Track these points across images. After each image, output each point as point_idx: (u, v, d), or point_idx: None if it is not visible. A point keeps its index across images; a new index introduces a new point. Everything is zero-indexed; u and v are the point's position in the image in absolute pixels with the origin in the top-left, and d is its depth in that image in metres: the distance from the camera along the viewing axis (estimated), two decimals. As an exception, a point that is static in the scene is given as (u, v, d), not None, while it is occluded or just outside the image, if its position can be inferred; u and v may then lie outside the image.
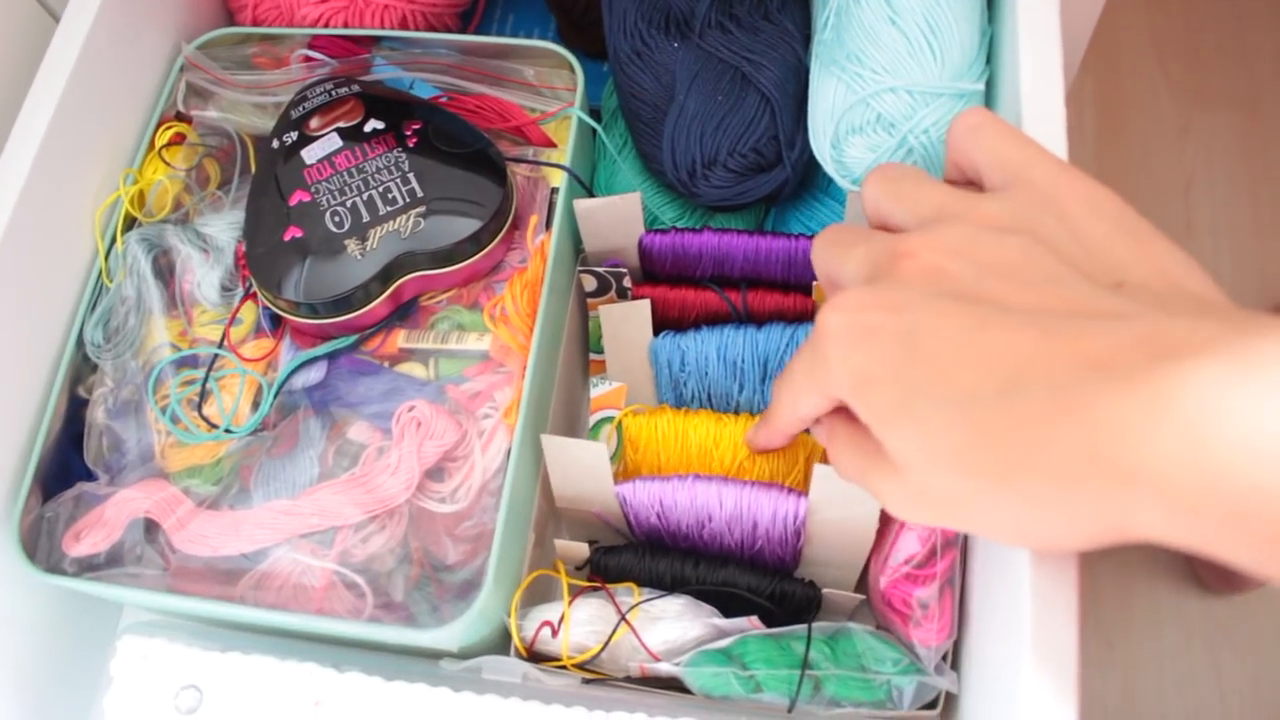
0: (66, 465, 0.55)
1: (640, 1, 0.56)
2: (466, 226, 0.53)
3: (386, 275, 0.53)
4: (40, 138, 0.52)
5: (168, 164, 0.57)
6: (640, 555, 0.53)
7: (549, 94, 0.58)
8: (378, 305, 0.53)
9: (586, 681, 0.51)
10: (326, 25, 0.60)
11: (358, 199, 0.54)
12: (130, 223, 0.58)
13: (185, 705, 0.52)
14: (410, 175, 0.54)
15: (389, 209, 0.53)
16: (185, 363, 0.55)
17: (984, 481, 0.30)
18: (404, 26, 0.61)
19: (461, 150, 0.54)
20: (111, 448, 0.55)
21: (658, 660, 0.50)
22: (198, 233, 0.57)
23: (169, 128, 0.59)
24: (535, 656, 0.52)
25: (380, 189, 0.54)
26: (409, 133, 0.55)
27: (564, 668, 0.51)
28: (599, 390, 0.56)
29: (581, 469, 0.51)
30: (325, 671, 0.52)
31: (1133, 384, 0.27)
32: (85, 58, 0.54)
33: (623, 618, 0.51)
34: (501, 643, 0.54)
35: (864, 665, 0.49)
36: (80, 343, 0.55)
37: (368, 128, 0.56)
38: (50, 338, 0.55)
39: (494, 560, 0.48)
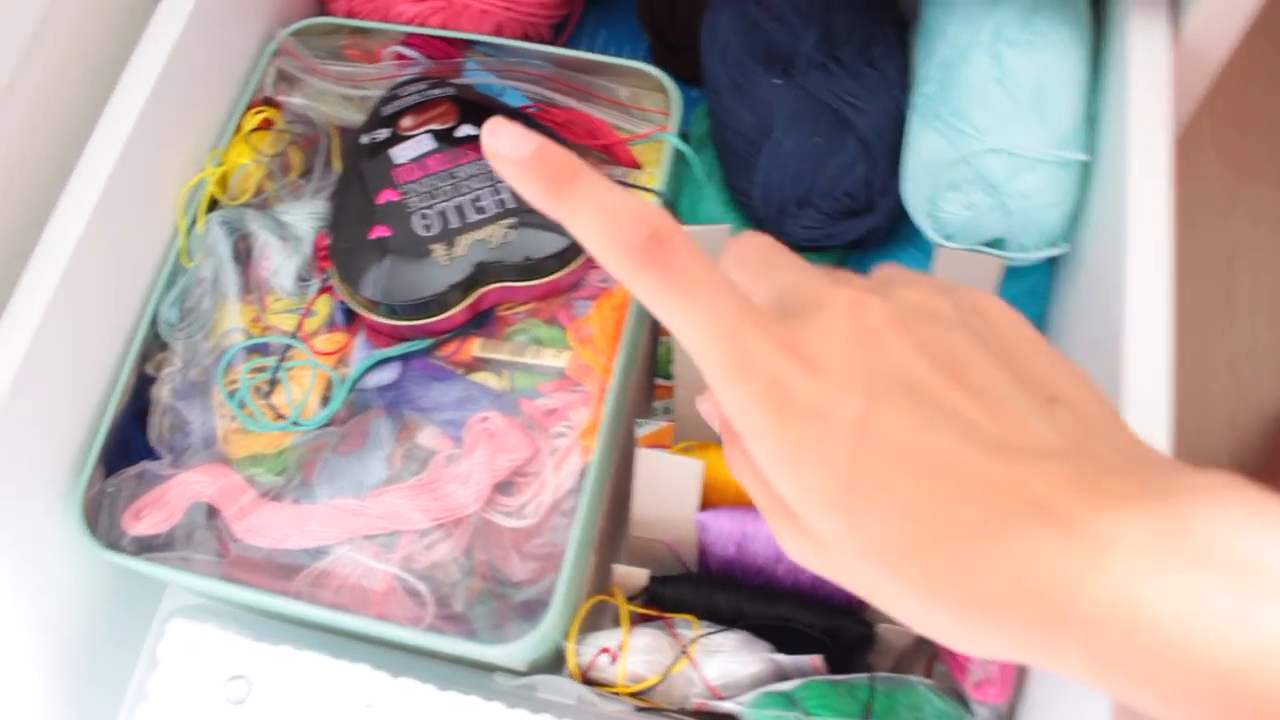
0: (127, 442, 0.55)
1: (743, 34, 0.56)
2: (554, 243, 0.53)
3: (470, 284, 0.53)
4: (136, 113, 0.52)
5: (254, 148, 0.57)
6: (698, 587, 0.53)
7: (638, 115, 0.58)
8: (457, 312, 0.53)
9: (639, 709, 0.52)
10: (422, 24, 0.60)
11: (447, 204, 0.53)
12: (212, 204, 0.57)
13: (234, 695, 0.52)
14: (501, 186, 0.54)
15: (478, 217, 0.53)
16: (256, 350, 0.55)
17: (905, 583, 0.30)
18: (499, 33, 0.61)
19: None
20: (175, 428, 0.54)
21: (720, 698, 0.50)
22: (278, 220, 0.57)
23: (258, 112, 0.58)
24: (587, 681, 0.52)
25: (471, 196, 0.54)
26: None
27: (617, 695, 0.51)
28: (645, 429, 0.56)
29: (671, 488, 0.51)
30: (378, 675, 0.52)
31: (1070, 533, 0.28)
32: (184, 36, 0.54)
33: (683, 650, 0.51)
34: (550, 663, 0.54)
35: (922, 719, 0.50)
36: (154, 320, 0.55)
37: (460, 132, 0.55)
38: (125, 313, 0.55)
39: (564, 582, 0.48)
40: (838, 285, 0.33)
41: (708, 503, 0.54)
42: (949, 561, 0.29)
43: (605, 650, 0.51)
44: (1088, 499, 0.28)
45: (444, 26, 0.60)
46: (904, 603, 0.31)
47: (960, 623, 0.30)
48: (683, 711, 0.52)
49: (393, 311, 0.53)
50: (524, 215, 0.53)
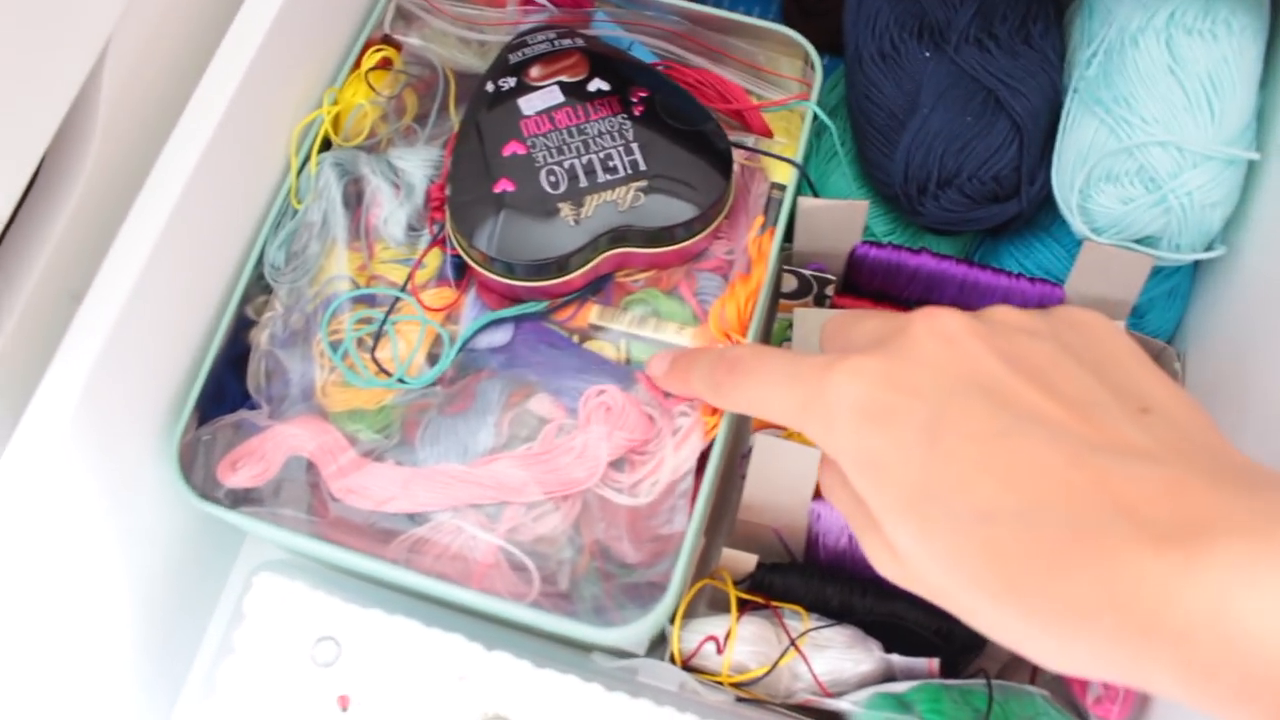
0: (221, 387, 0.53)
1: (897, 3, 0.53)
2: (685, 210, 0.50)
3: (595, 247, 0.50)
4: (254, 47, 0.49)
5: (372, 88, 0.54)
6: (808, 577, 0.51)
7: (772, 80, 0.55)
8: (577, 276, 0.51)
9: (739, 700, 0.50)
10: (548, -30, 0.57)
11: (576, 161, 0.51)
12: (325, 145, 0.55)
13: (322, 658, 0.51)
14: (634, 145, 0.51)
15: (609, 177, 0.50)
16: (362, 300, 0.53)
17: (984, 593, 0.29)
18: (629, -15, 0.58)
19: (688, 128, 0.52)
20: (273, 376, 0.52)
21: (829, 696, 0.48)
22: (391, 165, 0.54)
23: (377, 50, 0.56)
24: (687, 667, 0.51)
25: (601, 155, 0.51)
26: (635, 99, 0.52)
27: (719, 684, 0.50)
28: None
29: (786, 475, 0.49)
30: (472, 646, 0.50)
31: (1162, 541, 0.26)
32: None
33: (792, 643, 0.49)
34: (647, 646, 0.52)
35: (1035, 731, 0.48)
36: (258, 262, 0.53)
37: (591, 87, 0.53)
38: (231, 253, 0.53)
39: (681, 566, 0.46)
40: (922, 310, 0.33)
41: (817, 492, 0.52)
42: (1030, 568, 0.28)
43: (712, 638, 0.49)
44: (1181, 505, 0.27)
45: (568, -25, 0.57)
46: (986, 614, 0.30)
47: (1043, 633, 0.28)
48: (785, 706, 0.50)
49: (510, 270, 0.50)
50: (655, 180, 0.50)
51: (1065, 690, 0.50)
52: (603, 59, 0.54)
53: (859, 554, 0.51)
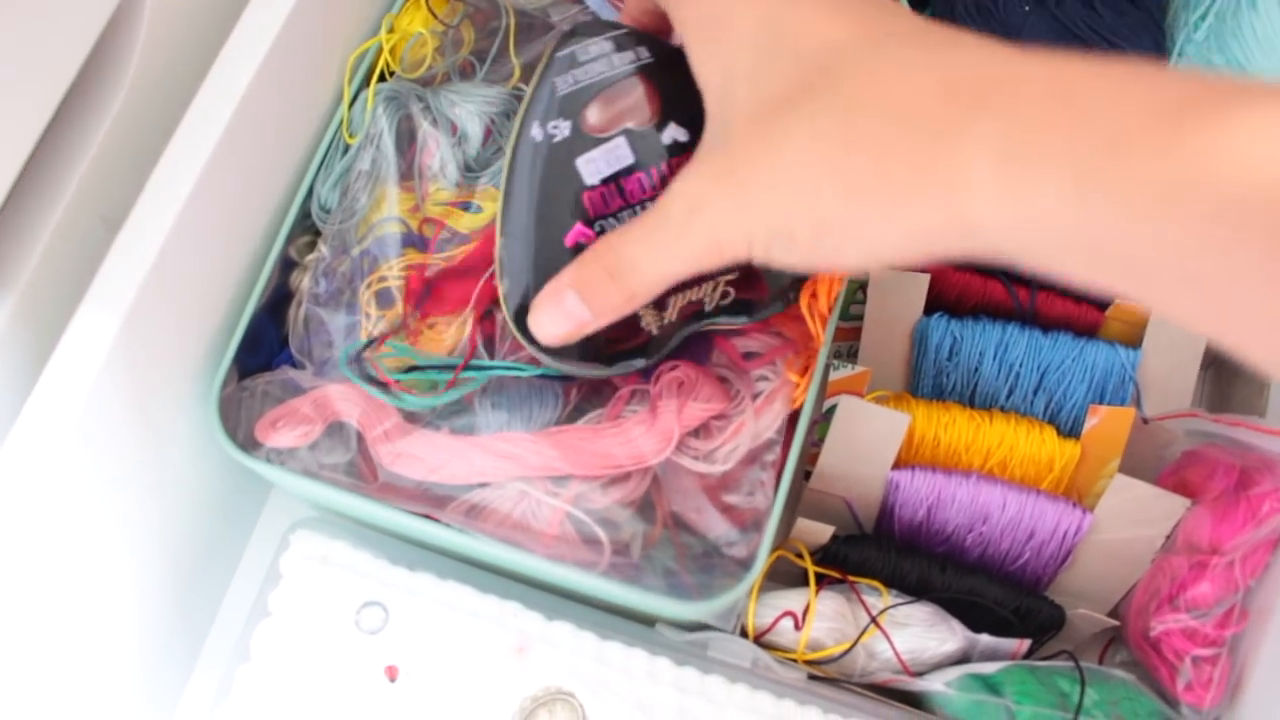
0: (258, 333, 0.49)
1: (997, -50, 0.50)
2: (778, 280, 0.43)
3: (671, 340, 0.43)
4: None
5: (433, 13, 0.50)
6: (884, 550, 0.49)
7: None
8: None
9: (812, 678, 0.48)
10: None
11: None
12: (380, 76, 0.51)
13: (368, 625, 0.48)
14: None
15: None
16: (412, 244, 0.49)
17: (819, 106, 0.30)
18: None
19: None
20: (316, 333, 0.48)
21: (912, 676, 0.46)
22: (447, 103, 0.50)
23: (437, -25, 0.52)
24: (759, 643, 0.48)
25: None
26: None
27: (793, 661, 0.47)
28: (840, 373, 0.51)
29: (869, 442, 0.47)
30: (531, 615, 0.48)
31: (1007, 54, 0.28)
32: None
33: (873, 620, 0.47)
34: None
35: (1121, 715, 0.46)
36: (306, 200, 0.49)
37: (666, 138, 0.41)
38: (278, 188, 0.49)
39: (767, 538, 0.44)
40: None
41: (897, 461, 0.49)
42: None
43: (789, 613, 0.47)
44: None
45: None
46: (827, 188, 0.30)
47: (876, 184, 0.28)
48: (861, 685, 0.48)
49: (581, 366, 0.43)
50: (748, 268, 0.41)
51: (1151, 677, 0.48)
52: (674, 86, 0.40)
53: (935, 527, 0.49)
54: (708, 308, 0.42)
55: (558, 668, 0.46)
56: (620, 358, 0.42)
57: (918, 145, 0.27)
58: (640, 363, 0.43)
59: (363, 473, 0.47)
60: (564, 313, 0.39)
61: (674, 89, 0.40)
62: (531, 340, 0.41)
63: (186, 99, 0.44)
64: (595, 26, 0.42)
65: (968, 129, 0.27)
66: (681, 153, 0.40)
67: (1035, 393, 0.51)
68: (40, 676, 0.44)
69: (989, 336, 0.51)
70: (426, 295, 0.48)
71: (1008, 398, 0.51)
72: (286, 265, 0.50)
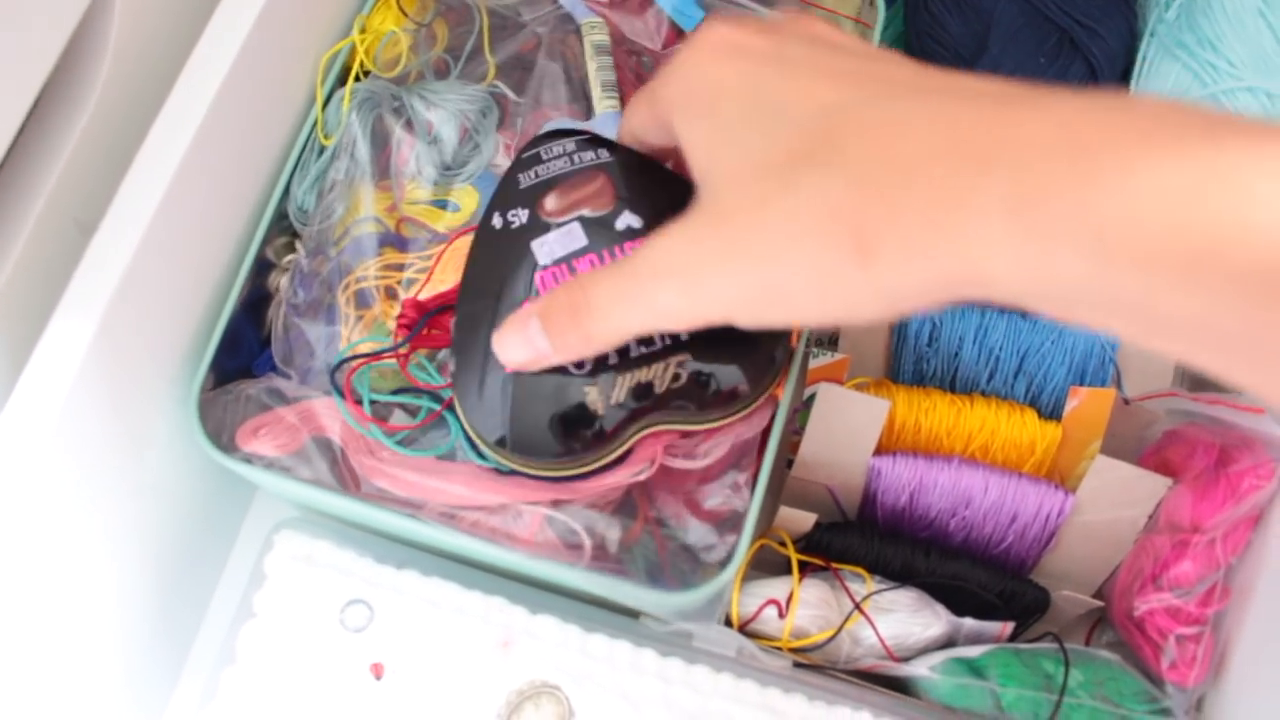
0: (236, 334, 0.49)
1: (967, -64, 0.50)
2: (732, 377, 0.41)
3: (623, 437, 0.42)
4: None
5: (404, 12, 0.50)
6: (867, 537, 0.49)
7: (826, 17, 0.53)
8: (601, 466, 0.43)
9: (797, 665, 0.48)
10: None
11: None
12: (355, 76, 0.51)
13: (353, 623, 0.48)
14: None
15: (643, 350, 0.40)
16: (389, 243, 0.49)
17: (809, 166, 0.30)
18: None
19: None
20: (296, 340, 0.48)
21: (897, 661, 0.46)
22: (422, 100, 0.50)
23: (407, -27, 0.52)
24: (743, 631, 0.48)
25: None
26: None
27: (778, 649, 0.47)
28: (820, 361, 0.51)
29: (848, 429, 0.47)
30: (515, 610, 0.48)
31: (1013, 101, 0.27)
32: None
33: (856, 606, 0.47)
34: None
35: (1106, 695, 0.46)
36: (282, 201, 0.49)
37: (620, 224, 0.41)
38: (253, 188, 0.49)
39: (747, 530, 0.44)
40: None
41: (878, 448, 0.49)
42: (876, 137, 0.29)
43: (773, 602, 0.47)
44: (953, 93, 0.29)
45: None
46: (794, 199, 0.30)
47: (862, 193, 0.28)
48: (845, 672, 0.48)
49: (522, 462, 0.42)
50: (702, 352, 0.40)
51: (1136, 656, 0.48)
52: (633, 181, 0.42)
53: (918, 512, 0.49)
54: (658, 389, 0.41)
55: (543, 661, 0.46)
56: (570, 444, 0.41)
57: (930, 201, 0.27)
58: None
59: (345, 480, 0.47)
60: (526, 338, 0.38)
61: (632, 183, 0.42)
62: (472, 426, 0.41)
63: (159, 101, 0.44)
64: (562, 132, 0.43)
65: (977, 185, 0.26)
66: (634, 238, 0.41)
67: (1016, 376, 0.51)
68: (25, 683, 0.44)
69: (968, 321, 0.51)
70: (420, 327, 0.47)
71: (988, 382, 0.51)
72: (263, 266, 0.50)
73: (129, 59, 0.46)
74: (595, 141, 0.43)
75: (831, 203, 0.29)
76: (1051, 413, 0.51)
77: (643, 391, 0.40)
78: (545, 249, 0.41)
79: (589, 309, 0.36)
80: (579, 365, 0.40)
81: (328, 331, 0.48)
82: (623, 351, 0.40)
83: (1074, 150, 0.25)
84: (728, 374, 0.41)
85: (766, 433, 0.45)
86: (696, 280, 0.33)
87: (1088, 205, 0.24)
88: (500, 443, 0.41)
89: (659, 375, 0.40)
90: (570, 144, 0.43)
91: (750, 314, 0.33)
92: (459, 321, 0.42)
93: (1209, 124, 0.24)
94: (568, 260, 0.41)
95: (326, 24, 0.50)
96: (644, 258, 0.34)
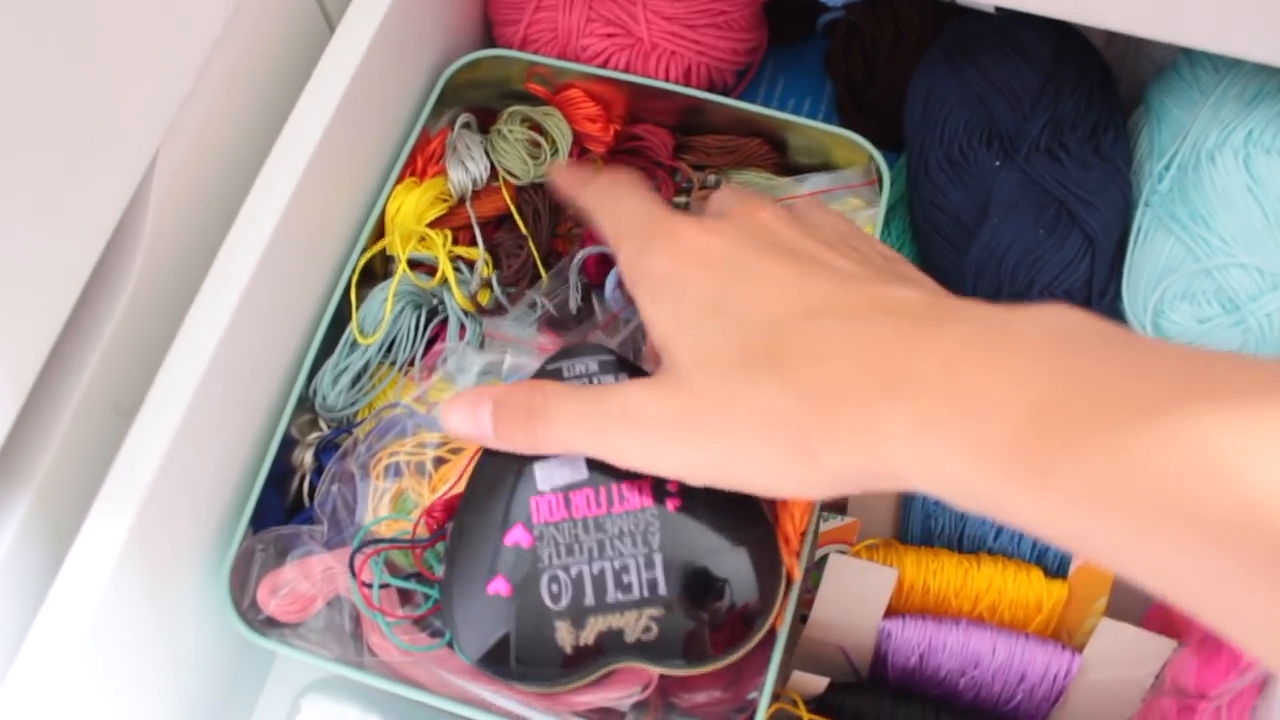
0: (265, 509, 0.50)
1: (966, 108, 0.52)
2: (702, 644, 0.41)
3: (589, 667, 0.41)
4: (303, 164, 0.48)
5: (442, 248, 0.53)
6: (879, 697, 0.50)
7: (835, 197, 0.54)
8: (567, 691, 0.43)
9: (811, 830, 0.49)
10: (606, 64, 0.55)
11: (585, 569, 0.41)
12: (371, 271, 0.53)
13: (381, 790, 0.49)
14: (656, 558, 0.41)
15: (620, 597, 0.40)
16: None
17: (764, 373, 0.34)
18: (687, 78, 0.56)
19: (732, 534, 0.41)
20: (323, 500, 0.50)
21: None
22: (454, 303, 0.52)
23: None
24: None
25: (617, 565, 0.41)
26: (673, 486, 0.41)
27: (792, 813, 0.48)
28: (831, 524, 0.53)
29: (858, 594, 0.48)
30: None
31: (915, 326, 0.33)
32: (359, 73, 0.49)
33: (871, 774, 0.48)
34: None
35: None
36: (307, 382, 0.51)
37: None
38: (281, 370, 0.51)
39: (764, 703, 0.45)
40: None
41: (889, 609, 0.50)
42: (808, 352, 0.34)
43: (788, 767, 0.48)
44: (926, 310, 0.34)
45: (629, 67, 0.55)
46: (753, 399, 0.35)
47: (809, 404, 0.33)
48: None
49: (497, 677, 0.42)
50: (674, 606, 0.40)
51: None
52: None
53: (929, 672, 0.50)
54: (628, 639, 0.40)
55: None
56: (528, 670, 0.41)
57: (855, 420, 0.33)
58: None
59: (363, 647, 0.48)
60: (474, 417, 0.41)
61: None
62: (454, 634, 0.42)
63: (192, 290, 0.46)
64: (585, 349, 0.44)
65: (888, 412, 0.32)
66: (633, 477, 0.41)
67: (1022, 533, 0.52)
68: None
69: (974, 480, 0.52)
70: (440, 534, 0.47)
71: (995, 539, 0.53)
72: (287, 443, 0.51)
73: (162, 249, 0.48)
74: (617, 363, 0.43)
75: (784, 411, 0.34)
76: (1057, 569, 0.52)
77: (612, 638, 0.40)
78: (545, 474, 0.41)
79: (545, 418, 0.39)
80: (555, 598, 0.40)
81: (358, 494, 0.50)
82: (600, 591, 0.40)
83: (953, 388, 0.30)
84: (699, 641, 0.41)
85: (783, 606, 0.46)
86: (658, 438, 0.37)
87: (963, 430, 0.30)
88: (467, 652, 0.41)
89: (631, 624, 0.41)
90: (593, 364, 0.43)
91: (700, 479, 0.37)
92: (454, 530, 0.43)
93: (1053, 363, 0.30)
94: (565, 491, 0.41)
95: (350, 209, 0.52)
96: (614, 398, 0.38)
